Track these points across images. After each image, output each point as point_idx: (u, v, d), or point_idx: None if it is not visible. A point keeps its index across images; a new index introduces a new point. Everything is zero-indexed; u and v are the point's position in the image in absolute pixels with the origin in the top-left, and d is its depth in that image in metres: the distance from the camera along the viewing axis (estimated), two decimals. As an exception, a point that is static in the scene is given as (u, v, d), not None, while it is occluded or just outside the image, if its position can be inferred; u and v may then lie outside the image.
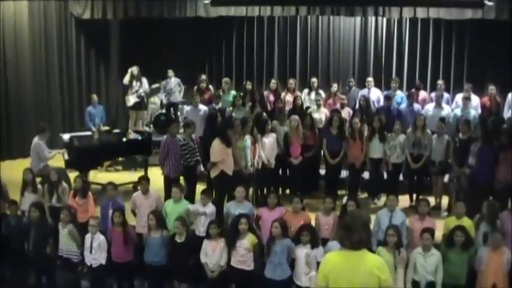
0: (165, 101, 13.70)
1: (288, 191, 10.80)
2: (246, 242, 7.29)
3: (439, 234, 7.58)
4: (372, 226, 7.80)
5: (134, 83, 13.26)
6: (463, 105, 11.32)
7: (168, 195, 8.90)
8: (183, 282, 7.38)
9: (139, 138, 11.76)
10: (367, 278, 4.35)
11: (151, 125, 13.48)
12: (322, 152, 10.57)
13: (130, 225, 8.02)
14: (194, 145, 9.52)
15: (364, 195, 10.68)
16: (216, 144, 8.98)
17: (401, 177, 10.53)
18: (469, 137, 9.50)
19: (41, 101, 14.14)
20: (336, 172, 10.42)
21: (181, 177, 9.60)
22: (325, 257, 4.60)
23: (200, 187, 9.12)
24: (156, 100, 13.99)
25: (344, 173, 10.70)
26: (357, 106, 11.83)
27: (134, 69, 13.22)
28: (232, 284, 7.77)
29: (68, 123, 14.70)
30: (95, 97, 13.28)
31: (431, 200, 9.18)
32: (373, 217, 8.08)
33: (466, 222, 7.44)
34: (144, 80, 13.37)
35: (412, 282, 7.02)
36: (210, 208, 8.09)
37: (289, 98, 12.15)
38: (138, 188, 8.62)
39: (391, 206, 7.90)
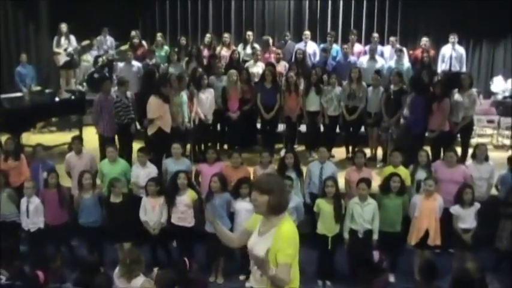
0: (101, 60, 13.11)
1: (226, 146, 10.78)
2: (186, 198, 7.29)
3: (375, 184, 7.73)
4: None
5: (63, 40, 12.86)
6: (397, 57, 11.48)
7: (103, 154, 8.74)
8: (126, 242, 7.29)
9: (72, 97, 11.48)
10: None
11: (85, 84, 13.11)
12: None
13: (65, 186, 7.85)
14: (128, 103, 9.31)
15: (302, 148, 10.77)
16: (153, 101, 8.78)
17: (338, 130, 10.66)
18: (400, 88, 9.65)
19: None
20: (271, 126, 10.43)
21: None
22: (293, 231, 4.05)
23: (136, 145, 8.97)
24: (88, 58, 13.52)
25: (281, 127, 10.76)
26: (293, 60, 11.81)
27: (63, 27, 12.79)
28: (174, 241, 7.77)
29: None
30: (24, 57, 12.73)
31: (367, 151, 9.34)
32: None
33: (402, 171, 7.62)
34: (72, 38, 12.96)
35: (350, 231, 7.18)
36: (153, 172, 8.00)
37: (224, 52, 12.02)
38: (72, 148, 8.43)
39: (321, 157, 8.02)
